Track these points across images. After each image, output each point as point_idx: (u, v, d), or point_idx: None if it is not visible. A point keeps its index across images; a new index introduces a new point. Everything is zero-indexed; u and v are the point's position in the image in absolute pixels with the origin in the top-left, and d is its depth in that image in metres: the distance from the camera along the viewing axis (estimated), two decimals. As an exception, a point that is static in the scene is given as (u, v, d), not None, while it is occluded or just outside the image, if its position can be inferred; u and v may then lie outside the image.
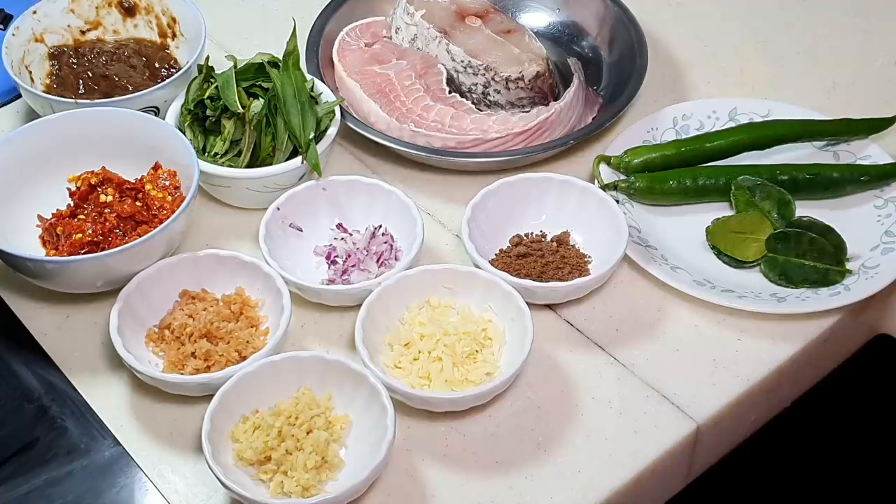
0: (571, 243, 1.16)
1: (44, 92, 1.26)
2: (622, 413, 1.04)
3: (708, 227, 1.17)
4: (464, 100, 1.28)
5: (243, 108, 1.17)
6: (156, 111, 1.23)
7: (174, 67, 1.32)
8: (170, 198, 1.13)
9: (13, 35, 1.28)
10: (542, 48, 1.31)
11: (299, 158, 1.17)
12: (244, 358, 1.05)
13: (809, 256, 1.14)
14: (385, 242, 1.14)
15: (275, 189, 1.17)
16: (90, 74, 1.30)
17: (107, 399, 1.06)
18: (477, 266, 1.11)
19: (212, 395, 0.99)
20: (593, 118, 1.29)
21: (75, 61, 1.31)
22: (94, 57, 1.31)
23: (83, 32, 1.34)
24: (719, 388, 1.06)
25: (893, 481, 1.40)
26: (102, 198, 1.12)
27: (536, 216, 1.18)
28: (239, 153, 1.18)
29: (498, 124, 1.24)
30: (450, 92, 1.29)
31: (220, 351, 1.05)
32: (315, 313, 1.12)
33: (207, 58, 1.23)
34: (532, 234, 1.17)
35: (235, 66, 1.20)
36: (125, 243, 1.07)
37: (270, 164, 1.18)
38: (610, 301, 1.13)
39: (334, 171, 1.22)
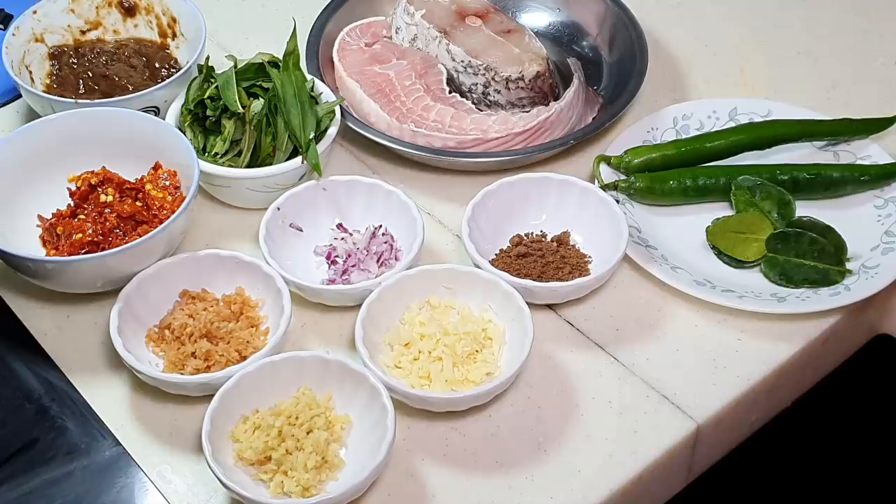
0: (571, 243, 1.16)
1: (44, 92, 1.26)
2: (622, 413, 1.04)
3: (708, 227, 1.17)
4: (464, 100, 1.28)
5: (243, 108, 1.17)
6: (156, 111, 1.23)
7: (174, 67, 1.32)
8: (170, 198, 1.13)
9: (13, 35, 1.28)
10: (542, 48, 1.31)
11: (299, 158, 1.17)
12: (244, 358, 1.05)
13: (809, 256, 1.14)
14: (385, 242, 1.14)
15: (275, 189, 1.17)
16: (90, 74, 1.30)
17: (107, 399, 1.06)
18: (477, 266, 1.11)
19: (212, 395, 0.99)
20: (593, 118, 1.29)
21: (75, 61, 1.31)
22: (94, 57, 1.31)
23: (83, 32, 1.34)
24: (719, 388, 1.06)
25: (893, 481, 1.40)
26: (102, 198, 1.12)
27: (536, 216, 1.18)
28: (239, 153, 1.18)
29: (498, 124, 1.24)
30: (450, 92, 1.29)
31: (221, 351, 1.05)
32: (315, 313, 1.12)
33: (207, 58, 1.23)
34: (532, 234, 1.17)
35: (235, 66, 1.20)
36: (125, 243, 1.07)
37: (270, 164, 1.18)
38: (610, 301, 1.13)
39: (334, 171, 1.22)
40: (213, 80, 1.20)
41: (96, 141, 1.18)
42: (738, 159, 1.24)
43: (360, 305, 1.06)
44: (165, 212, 1.12)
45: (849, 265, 1.14)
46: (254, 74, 1.20)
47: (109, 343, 1.05)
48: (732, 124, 1.27)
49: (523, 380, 1.07)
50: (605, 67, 1.36)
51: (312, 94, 1.21)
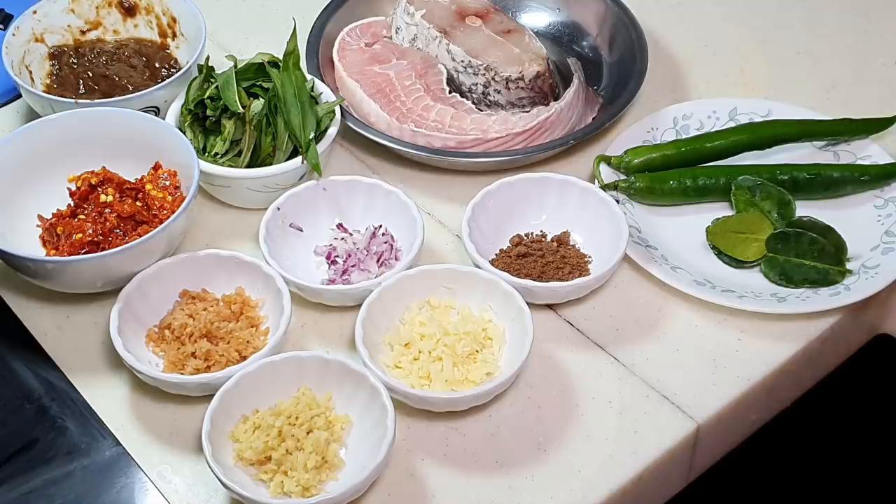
0: (571, 243, 1.16)
1: (44, 92, 1.26)
2: (622, 413, 1.04)
3: (708, 227, 1.18)
4: (464, 100, 1.28)
5: (243, 108, 1.17)
6: (156, 111, 1.23)
7: (174, 67, 1.32)
8: (170, 198, 1.13)
9: (13, 35, 1.28)
10: (542, 48, 1.31)
11: (299, 158, 1.17)
12: (244, 358, 1.05)
13: (809, 256, 1.14)
14: (385, 242, 1.14)
15: (275, 189, 1.17)
16: (90, 74, 1.30)
17: (107, 399, 1.06)
18: (477, 266, 1.11)
19: (212, 395, 0.99)
20: (593, 118, 1.29)
21: (75, 61, 1.31)
22: (94, 57, 1.31)
23: (83, 32, 1.34)
24: (719, 388, 1.06)
25: (893, 481, 1.40)
26: (102, 198, 1.12)
27: (536, 216, 1.18)
28: (239, 153, 1.18)
29: (498, 124, 1.24)
30: (450, 92, 1.29)
31: (221, 351, 1.05)
32: (315, 313, 1.12)
33: (207, 58, 1.23)
34: (532, 234, 1.17)
35: (235, 66, 1.20)
36: (125, 243, 1.07)
37: (270, 164, 1.18)
38: (610, 301, 1.13)
39: (334, 171, 1.22)
40: (213, 80, 1.20)
41: (96, 141, 1.18)
42: (738, 159, 1.24)
43: (360, 305, 1.06)
44: (165, 212, 1.12)
45: (849, 265, 1.14)
46: (254, 74, 1.20)
47: (109, 343, 1.05)
48: (732, 124, 1.27)
49: (523, 380, 1.07)
50: (605, 67, 1.36)
51: (312, 94, 1.21)
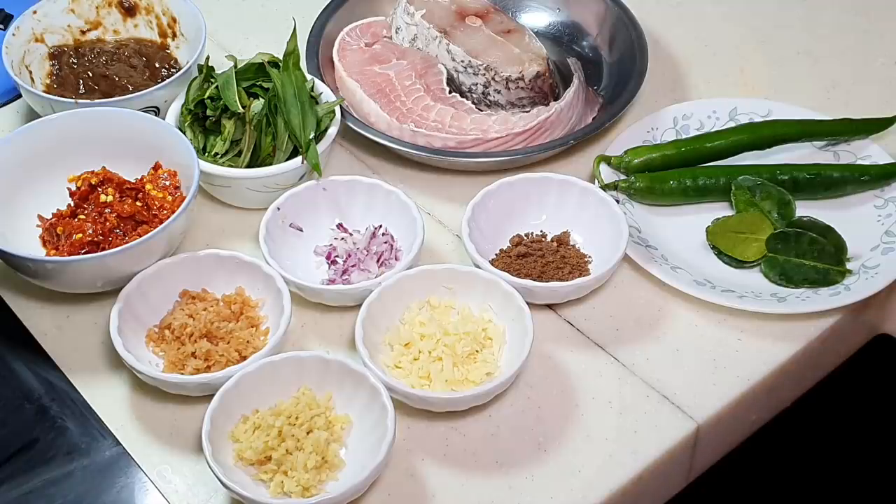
0: (571, 243, 1.16)
1: (44, 92, 1.26)
2: (622, 413, 1.04)
3: (708, 227, 1.18)
4: (464, 100, 1.28)
5: (243, 108, 1.17)
6: (156, 111, 1.23)
7: (174, 67, 1.32)
8: (170, 198, 1.13)
9: (13, 35, 1.28)
10: (542, 48, 1.31)
11: (299, 158, 1.17)
12: (244, 358, 1.05)
13: (809, 256, 1.14)
14: (385, 242, 1.14)
15: (275, 189, 1.17)
16: (90, 74, 1.30)
17: (107, 399, 1.06)
18: (477, 266, 1.11)
19: (212, 395, 0.99)
20: (593, 118, 1.29)
21: (75, 61, 1.31)
22: (94, 57, 1.31)
23: (83, 32, 1.34)
24: (719, 388, 1.06)
25: (893, 481, 1.40)
26: (102, 198, 1.12)
27: (536, 216, 1.18)
28: (239, 153, 1.18)
29: (498, 124, 1.24)
30: (450, 92, 1.29)
31: (221, 351, 1.05)
32: (315, 313, 1.12)
33: (207, 58, 1.23)
34: (532, 234, 1.17)
35: (235, 66, 1.20)
36: (125, 243, 1.07)
37: (270, 164, 1.18)
38: (610, 301, 1.13)
39: (334, 171, 1.22)
40: (213, 80, 1.20)
41: (96, 141, 1.18)
42: (738, 159, 1.24)
43: (360, 305, 1.06)
44: (165, 212, 1.12)
45: (849, 265, 1.14)
46: (254, 74, 1.20)
47: (109, 343, 1.05)
48: (732, 124, 1.27)
49: (523, 380, 1.07)
50: (605, 67, 1.36)
51: (312, 94, 1.21)
